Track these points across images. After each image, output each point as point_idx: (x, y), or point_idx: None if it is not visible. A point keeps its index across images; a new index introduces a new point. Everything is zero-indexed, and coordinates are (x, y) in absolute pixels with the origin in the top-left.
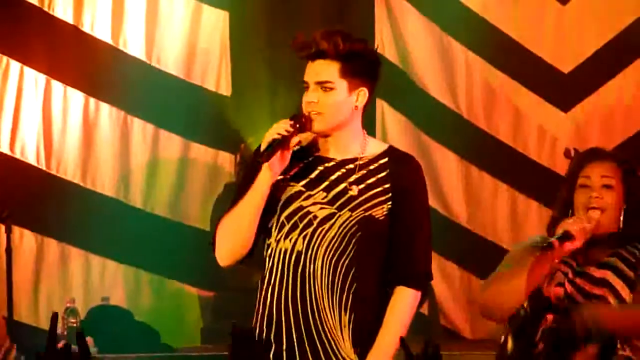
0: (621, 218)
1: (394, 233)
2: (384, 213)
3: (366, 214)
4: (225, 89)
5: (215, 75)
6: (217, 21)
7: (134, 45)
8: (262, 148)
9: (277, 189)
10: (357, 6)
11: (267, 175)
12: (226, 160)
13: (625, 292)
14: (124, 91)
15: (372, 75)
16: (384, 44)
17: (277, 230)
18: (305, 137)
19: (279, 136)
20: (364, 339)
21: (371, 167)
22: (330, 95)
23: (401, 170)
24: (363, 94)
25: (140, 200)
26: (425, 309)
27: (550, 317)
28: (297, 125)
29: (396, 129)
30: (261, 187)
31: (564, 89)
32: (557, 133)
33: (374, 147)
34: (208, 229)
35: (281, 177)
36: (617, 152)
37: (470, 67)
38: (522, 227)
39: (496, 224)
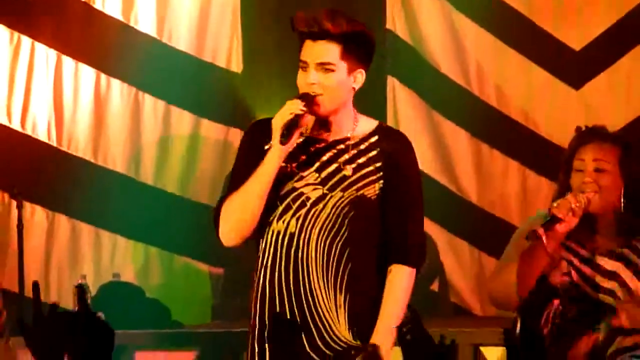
0: (622, 198)
1: (386, 211)
2: (376, 192)
3: (358, 193)
4: (236, 66)
5: (226, 52)
6: None
7: (145, 22)
8: (277, 130)
9: None
10: None
11: (278, 154)
12: (237, 137)
13: (634, 283)
14: (135, 68)
15: (369, 58)
16: (395, 21)
17: (270, 210)
18: (310, 119)
19: (293, 116)
20: (359, 319)
21: (362, 147)
22: (331, 76)
23: (392, 148)
24: (360, 75)
25: (151, 177)
26: (435, 286)
27: (556, 301)
28: (307, 106)
29: (407, 106)
30: (272, 165)
31: (575, 66)
32: (568, 110)
33: (364, 125)
34: None
35: None
36: (616, 132)
37: (481, 44)
38: (532, 205)
39: (507, 202)
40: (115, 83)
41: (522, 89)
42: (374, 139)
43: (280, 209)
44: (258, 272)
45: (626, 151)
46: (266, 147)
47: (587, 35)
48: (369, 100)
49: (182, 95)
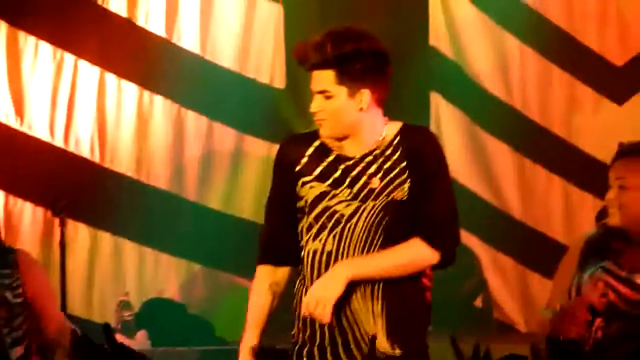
0: None
1: (413, 201)
2: (406, 192)
3: (388, 199)
4: (279, 82)
5: (269, 68)
6: (271, 14)
7: (187, 39)
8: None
9: (303, 190)
10: None
11: None
12: None
13: None
14: (177, 84)
15: (375, 72)
16: (439, 37)
17: (306, 231)
18: None
19: None
20: (398, 327)
21: (387, 153)
22: (331, 102)
23: (413, 144)
24: (366, 95)
25: (194, 193)
26: (479, 302)
27: (598, 320)
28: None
29: (450, 121)
30: None
31: (617, 82)
32: (611, 126)
33: (390, 130)
34: (262, 222)
35: (307, 177)
36: None
37: (524, 59)
38: (576, 220)
39: (550, 217)
40: (158, 99)
41: (565, 104)
42: (396, 140)
43: (316, 228)
44: (299, 291)
45: None
46: (297, 168)
47: (629, 51)
48: (412, 116)
49: (225, 111)
